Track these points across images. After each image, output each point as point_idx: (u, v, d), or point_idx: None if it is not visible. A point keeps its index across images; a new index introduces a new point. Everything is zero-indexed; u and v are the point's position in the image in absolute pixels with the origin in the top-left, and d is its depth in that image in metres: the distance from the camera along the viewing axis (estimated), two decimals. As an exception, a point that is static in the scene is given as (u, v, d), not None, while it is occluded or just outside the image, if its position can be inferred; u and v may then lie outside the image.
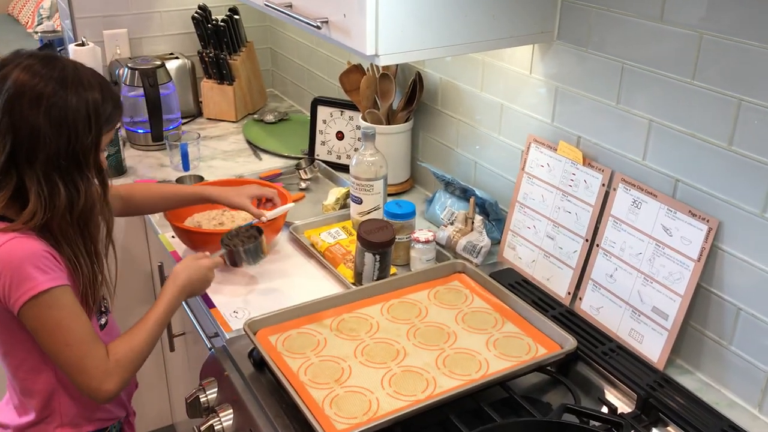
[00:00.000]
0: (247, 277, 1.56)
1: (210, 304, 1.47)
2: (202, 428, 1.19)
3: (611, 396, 1.22)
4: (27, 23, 4.93)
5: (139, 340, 1.25)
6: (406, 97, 1.84)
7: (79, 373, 1.18)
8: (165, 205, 1.59)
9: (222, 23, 2.35)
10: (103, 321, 1.33)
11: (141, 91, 2.15)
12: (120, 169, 2.04)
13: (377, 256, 1.44)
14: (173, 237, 1.69)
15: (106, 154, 1.26)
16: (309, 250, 1.65)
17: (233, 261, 1.47)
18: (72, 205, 1.16)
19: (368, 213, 1.64)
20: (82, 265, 1.20)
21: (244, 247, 1.45)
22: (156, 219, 1.79)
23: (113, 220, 1.29)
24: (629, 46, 1.27)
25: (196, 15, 2.38)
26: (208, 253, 1.42)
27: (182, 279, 1.33)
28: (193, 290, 1.36)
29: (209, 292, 1.50)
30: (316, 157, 2.10)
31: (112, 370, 1.20)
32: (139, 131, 2.21)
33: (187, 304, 1.64)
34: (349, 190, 1.76)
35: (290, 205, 1.64)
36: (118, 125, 1.24)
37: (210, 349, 1.42)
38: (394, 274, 1.50)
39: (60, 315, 1.16)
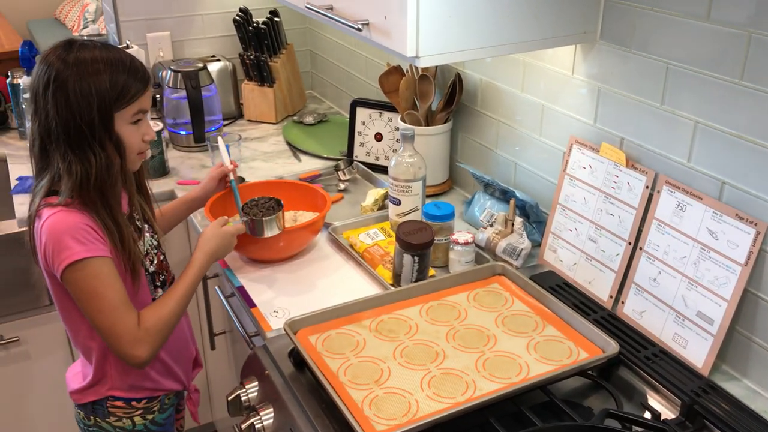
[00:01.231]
0: (286, 277, 1.58)
1: (251, 304, 1.48)
2: (243, 426, 1.21)
3: (654, 402, 1.20)
4: (73, 27, 5.04)
5: (168, 309, 1.33)
6: (445, 98, 1.84)
7: (112, 339, 1.28)
8: (174, 218, 1.67)
9: (263, 26, 2.37)
10: (159, 294, 1.42)
11: (183, 93, 2.19)
12: (163, 170, 2.08)
13: (416, 258, 1.44)
14: (214, 237, 1.71)
15: (142, 123, 1.34)
16: (348, 251, 1.65)
17: (252, 230, 1.51)
18: (87, 176, 1.25)
19: (407, 214, 1.64)
20: (112, 231, 1.29)
21: (264, 218, 1.50)
22: (198, 219, 1.82)
23: (134, 189, 1.38)
24: (674, 46, 1.25)
25: (237, 18, 2.41)
26: (227, 218, 1.50)
27: (211, 246, 1.43)
28: (218, 256, 1.46)
29: (249, 291, 1.52)
30: (354, 158, 2.11)
31: (141, 337, 1.28)
32: (182, 133, 2.25)
33: (228, 303, 1.66)
34: (387, 192, 1.76)
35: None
36: (143, 94, 1.30)
37: (250, 348, 1.44)
38: (432, 276, 1.50)
39: (94, 283, 1.25)
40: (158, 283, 1.43)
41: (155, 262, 1.43)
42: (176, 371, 1.49)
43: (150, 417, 1.46)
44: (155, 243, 1.46)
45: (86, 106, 1.23)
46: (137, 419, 1.45)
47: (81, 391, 1.42)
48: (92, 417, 1.44)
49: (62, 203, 1.25)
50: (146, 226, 1.44)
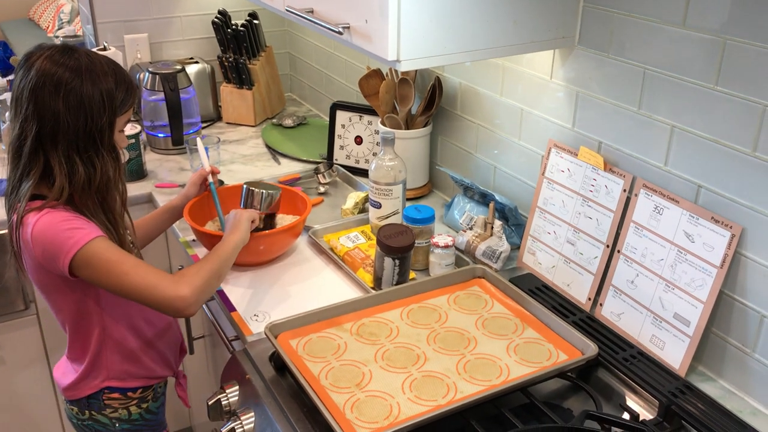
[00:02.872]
0: (266, 281, 1.57)
1: (230, 308, 1.48)
2: (224, 431, 1.20)
3: (632, 402, 1.21)
4: (47, 27, 4.98)
5: (204, 264, 1.34)
6: (425, 102, 1.84)
7: (152, 291, 1.26)
8: (156, 228, 1.65)
9: (242, 28, 2.36)
10: None
11: (161, 95, 2.17)
12: (140, 173, 2.06)
13: (397, 261, 1.44)
14: (193, 240, 1.71)
15: (126, 134, 1.39)
16: (328, 255, 1.65)
17: (248, 201, 1.59)
18: (90, 180, 1.27)
19: (387, 217, 1.64)
20: (111, 234, 1.32)
21: (263, 192, 1.59)
22: (177, 223, 1.81)
23: (126, 193, 1.40)
24: (651, 51, 1.27)
25: (216, 20, 2.40)
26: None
27: (245, 228, 1.46)
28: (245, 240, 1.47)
29: (229, 295, 1.51)
30: (334, 161, 2.11)
31: (177, 279, 1.29)
32: (160, 135, 2.23)
33: (207, 307, 1.65)
34: (367, 195, 1.76)
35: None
36: (133, 107, 1.34)
37: (231, 352, 1.43)
38: (413, 279, 1.51)
39: (107, 256, 1.26)
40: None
41: None
42: (168, 357, 1.53)
43: (145, 406, 1.49)
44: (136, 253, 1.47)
45: (99, 110, 1.25)
46: (133, 409, 1.48)
47: (74, 385, 1.43)
48: (87, 411, 1.45)
49: (48, 205, 1.25)
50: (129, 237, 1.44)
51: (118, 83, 1.28)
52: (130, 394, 1.46)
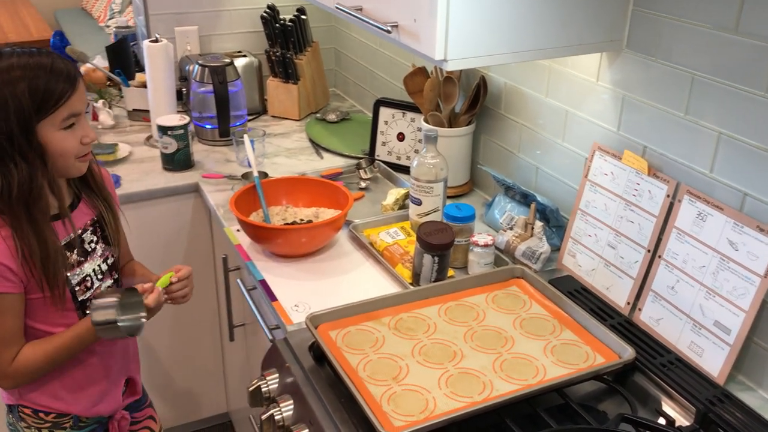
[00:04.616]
0: (307, 272, 1.60)
1: (272, 297, 1.51)
2: (263, 417, 1.23)
3: (669, 408, 1.21)
4: (99, 17, 5.10)
5: (45, 355, 1.34)
6: (469, 101, 1.85)
7: None
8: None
9: (290, 23, 2.40)
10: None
11: (210, 87, 2.22)
12: (188, 163, 2.11)
13: (436, 258, 1.46)
14: (238, 230, 1.75)
15: (77, 126, 1.29)
16: (368, 249, 1.68)
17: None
18: (10, 188, 1.23)
19: (427, 215, 1.66)
20: (32, 245, 1.26)
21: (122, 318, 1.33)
22: (221, 212, 1.85)
23: (65, 202, 1.34)
24: (700, 57, 1.26)
25: (264, 14, 2.44)
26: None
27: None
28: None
29: (271, 285, 1.54)
30: (376, 157, 2.13)
31: (9, 374, 1.33)
32: (207, 127, 2.28)
33: (250, 296, 1.69)
34: (408, 191, 1.78)
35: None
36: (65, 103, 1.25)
37: (271, 340, 1.46)
38: (451, 277, 1.52)
39: None
40: (88, 312, 1.36)
41: (93, 288, 1.41)
42: (95, 399, 1.47)
43: None
44: (105, 268, 1.44)
45: (3, 117, 1.20)
46: None
47: (3, 390, 1.45)
48: (11, 416, 1.48)
49: None
50: (99, 249, 1.42)
51: (33, 81, 1.21)
52: (42, 415, 1.44)
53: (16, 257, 1.26)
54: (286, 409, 1.23)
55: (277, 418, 1.22)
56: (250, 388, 1.30)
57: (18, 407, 1.44)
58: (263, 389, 1.29)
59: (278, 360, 1.31)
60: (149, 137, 2.31)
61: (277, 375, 1.30)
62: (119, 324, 1.31)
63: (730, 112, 1.22)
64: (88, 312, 1.37)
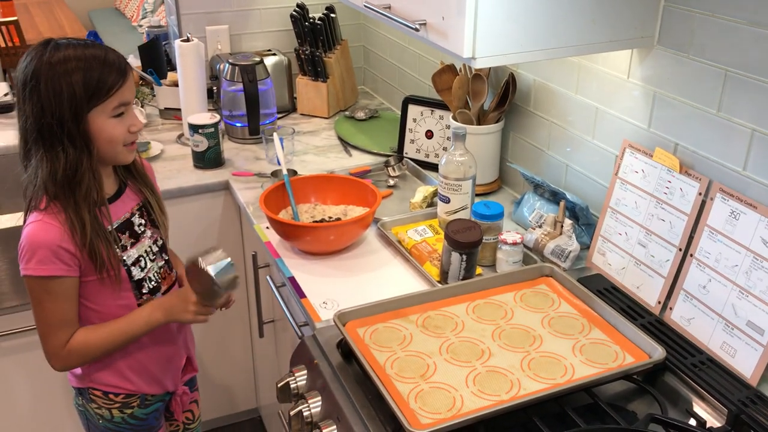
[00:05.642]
0: (335, 269, 1.61)
1: (301, 294, 1.52)
2: (292, 413, 1.24)
3: (699, 409, 1.20)
4: (132, 17, 5.18)
5: (99, 340, 1.41)
6: (498, 98, 1.84)
7: (41, 342, 1.39)
8: None
9: (319, 21, 2.41)
10: (144, 300, 1.46)
11: (240, 86, 2.24)
12: (218, 161, 2.13)
13: (464, 256, 1.46)
14: (267, 228, 1.76)
15: (126, 115, 1.35)
16: (396, 247, 1.68)
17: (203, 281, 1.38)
18: (55, 173, 1.30)
19: (455, 212, 1.65)
20: (76, 229, 1.32)
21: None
22: (251, 210, 1.87)
23: (109, 188, 1.41)
24: (734, 53, 1.24)
25: (294, 13, 2.46)
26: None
27: (170, 302, 1.45)
28: (172, 315, 1.45)
29: (300, 282, 1.56)
30: (404, 154, 2.13)
31: (62, 356, 1.39)
32: (237, 125, 2.30)
33: (279, 292, 1.71)
34: (436, 189, 1.78)
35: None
36: (118, 87, 1.31)
37: (300, 337, 1.48)
38: (479, 275, 1.52)
39: (40, 296, 1.34)
40: (145, 291, 1.46)
41: (147, 269, 1.47)
42: (156, 374, 1.54)
43: (129, 411, 1.53)
44: (155, 249, 1.50)
45: (57, 104, 1.26)
46: (115, 412, 1.52)
47: (73, 374, 1.52)
48: (80, 398, 1.54)
49: (44, 209, 1.31)
50: (149, 231, 1.48)
51: (87, 72, 1.26)
52: (111, 396, 1.50)
53: (73, 240, 1.32)
54: (314, 406, 1.24)
55: (305, 414, 1.23)
56: (279, 384, 1.31)
57: (89, 390, 1.50)
58: (292, 385, 1.30)
59: (307, 356, 1.32)
60: (180, 135, 2.34)
61: (305, 371, 1.31)
62: (237, 276, 1.39)
63: (764, 108, 1.20)
64: (144, 291, 1.46)
